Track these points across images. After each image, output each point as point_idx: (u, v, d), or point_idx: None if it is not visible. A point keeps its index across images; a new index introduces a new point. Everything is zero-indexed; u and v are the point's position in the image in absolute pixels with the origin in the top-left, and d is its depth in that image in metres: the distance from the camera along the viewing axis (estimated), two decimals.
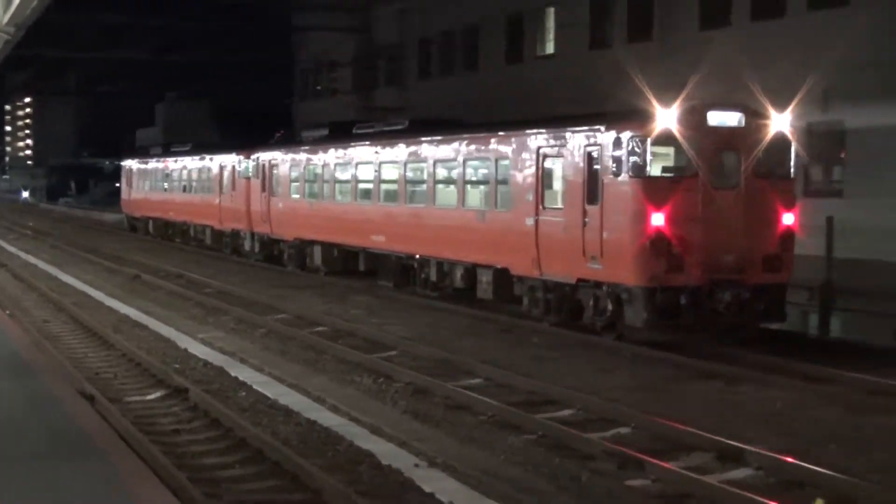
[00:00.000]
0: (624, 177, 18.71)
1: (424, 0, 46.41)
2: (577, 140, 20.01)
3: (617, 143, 18.83)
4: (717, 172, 18.91)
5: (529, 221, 21.45)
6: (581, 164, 19.83)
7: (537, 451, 12.72)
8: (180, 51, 65.63)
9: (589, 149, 19.64)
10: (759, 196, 19.05)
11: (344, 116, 42.33)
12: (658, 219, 18.42)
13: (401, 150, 27.37)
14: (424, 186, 26.34)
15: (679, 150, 18.72)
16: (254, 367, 17.91)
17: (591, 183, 19.59)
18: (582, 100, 26.60)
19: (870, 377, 16.07)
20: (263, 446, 12.58)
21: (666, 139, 18.56)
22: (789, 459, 11.94)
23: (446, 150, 25.14)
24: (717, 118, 18.88)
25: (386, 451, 12.47)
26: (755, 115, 19.14)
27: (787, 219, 19.23)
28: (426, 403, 15.30)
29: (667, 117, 18.41)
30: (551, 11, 38.37)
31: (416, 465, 11.96)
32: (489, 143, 23.22)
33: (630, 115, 18.96)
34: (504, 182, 22.85)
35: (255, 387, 16.22)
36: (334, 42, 54.22)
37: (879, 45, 27.40)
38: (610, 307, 19.42)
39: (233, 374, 17.29)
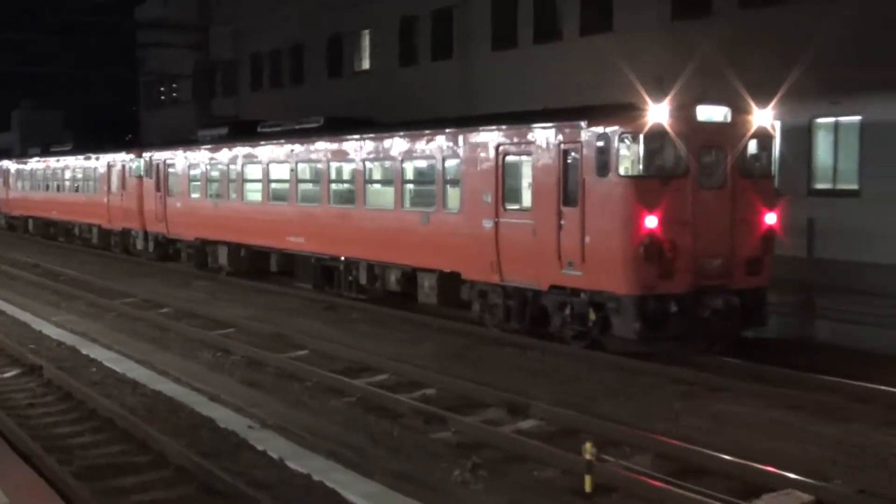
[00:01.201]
0: (612, 176, 16.59)
1: (256, 21, 48.30)
2: (548, 137, 17.81)
3: (603, 140, 16.71)
4: (704, 171, 17.04)
5: (487, 224, 19.14)
6: (555, 163, 17.65)
7: (356, 412, 13.86)
8: (36, 62, 65.08)
9: (565, 146, 17.47)
10: (742, 196, 17.30)
11: (185, 124, 45.07)
12: (651, 222, 16.40)
13: (323, 149, 24.64)
14: (353, 186, 23.68)
15: (670, 147, 16.77)
16: (104, 346, 18.67)
17: (568, 183, 17.44)
18: (396, 108, 27.58)
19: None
20: (113, 415, 13.26)
21: (657, 136, 16.58)
22: (566, 411, 13.57)
23: (380, 148, 22.57)
24: (705, 113, 17.01)
25: (224, 416, 13.36)
26: (739, 111, 17.36)
27: (770, 219, 17.51)
28: (259, 373, 16.45)
29: (659, 112, 16.41)
30: (366, 33, 41.03)
31: (250, 427, 12.83)
32: (434, 140, 20.77)
33: (618, 111, 16.89)
34: (454, 182, 20.51)
35: (105, 363, 16.98)
36: (176, 56, 55.63)
37: None
38: (592, 316, 17.24)
39: (84, 352, 18.00)
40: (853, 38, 22.40)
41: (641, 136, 16.44)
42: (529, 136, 18.29)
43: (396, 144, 21.94)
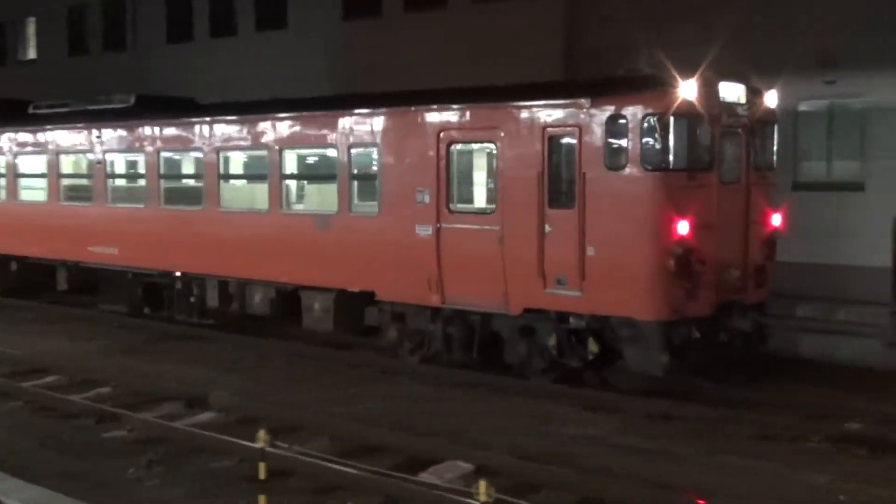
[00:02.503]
0: (631, 170, 12.65)
1: None
2: (525, 119, 13.61)
3: (617, 123, 12.74)
4: (725, 163, 13.52)
5: (423, 231, 14.67)
6: (535, 153, 13.48)
7: (23, 415, 13.11)
8: None
9: (553, 131, 13.33)
10: (753, 192, 13.97)
11: None
12: (683, 228, 12.71)
13: (151, 135, 18.90)
14: (201, 182, 18.19)
15: (700, 134, 13.07)
16: None
17: (558, 179, 13.35)
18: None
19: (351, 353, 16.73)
20: None
21: (690, 118, 12.88)
22: (245, 401, 13.30)
23: (244, 133, 17.30)
24: (726, 92, 13.44)
25: None
26: (753, 91, 13.95)
27: (775, 220, 14.29)
28: None
29: (689, 89, 12.69)
30: (32, 21, 37.87)
31: None
32: (335, 124, 15.88)
33: (634, 86, 12.92)
34: (366, 178, 15.80)
35: None
36: None
37: None
38: (594, 347, 13.26)
39: None
40: None
41: (672, 119, 12.66)
42: (494, 119, 13.98)
43: (273, 129, 16.79)
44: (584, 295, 13.11)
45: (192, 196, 18.45)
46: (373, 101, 15.69)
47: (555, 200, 13.34)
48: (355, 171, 15.76)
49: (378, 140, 15.25)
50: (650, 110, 12.51)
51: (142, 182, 19.21)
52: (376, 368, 15.49)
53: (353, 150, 15.70)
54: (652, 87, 12.72)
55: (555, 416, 12.69)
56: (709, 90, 13.02)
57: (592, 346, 13.35)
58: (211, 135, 17.71)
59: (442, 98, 14.66)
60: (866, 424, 12.10)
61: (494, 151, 13.99)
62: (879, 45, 17.44)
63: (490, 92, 14.36)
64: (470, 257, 14.22)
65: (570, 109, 13.17)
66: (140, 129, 19.08)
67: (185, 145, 18.37)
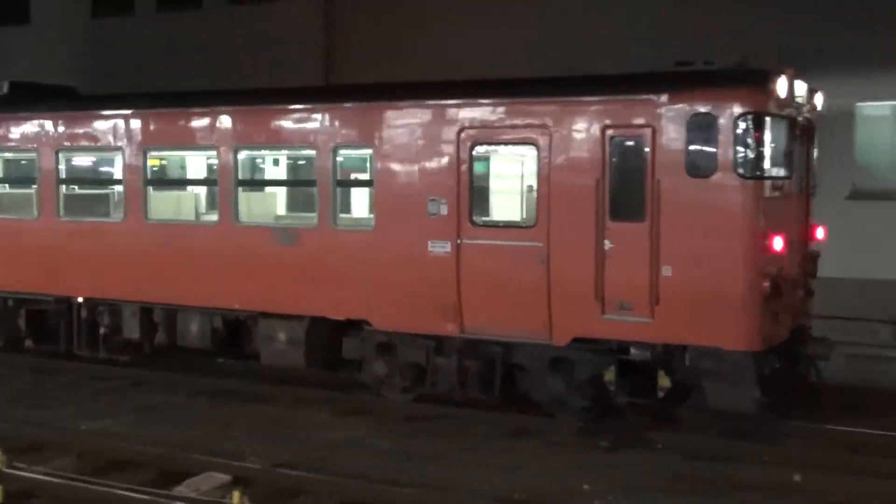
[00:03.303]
0: (721, 177, 10.87)
1: None
2: (580, 117, 11.55)
3: (704, 122, 10.93)
4: (796, 171, 12.04)
5: (440, 247, 12.33)
6: (593, 157, 11.47)
7: None
8: None
9: (616, 131, 11.37)
10: (805, 204, 12.60)
11: None
12: (778, 244, 11.05)
13: (41, 131, 15.42)
14: (119, 189, 14.94)
15: (786, 135, 11.48)
16: None
17: (623, 187, 11.40)
18: None
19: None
20: None
21: (781, 118, 11.27)
22: None
23: (184, 130, 14.25)
24: (799, 90, 11.92)
25: None
26: (811, 90, 12.53)
27: (819, 233, 12.96)
28: None
29: (781, 86, 11.07)
30: None
31: None
32: (314, 119, 13.22)
33: (725, 78, 11.13)
34: (357, 184, 13.29)
35: None
36: None
37: None
38: (666, 382, 11.40)
39: None
40: None
41: (768, 120, 10.98)
42: (535, 116, 11.83)
43: (225, 124, 13.85)
44: (657, 321, 11.22)
45: (106, 205, 15.17)
46: (369, 92, 13.13)
47: (618, 212, 11.38)
48: (341, 177, 13.16)
49: (375, 139, 12.75)
50: (747, 108, 10.76)
51: (32, 188, 15.65)
52: (128, 380, 14.90)
53: (341, 152, 13.11)
54: (744, 81, 11.01)
55: (310, 422, 12.70)
56: (789, 87, 11.45)
57: (663, 381, 11.49)
58: (137, 131, 14.51)
59: (465, 91, 12.37)
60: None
61: (536, 154, 11.85)
62: None
63: (530, 84, 12.22)
64: (501, 279, 12.01)
65: (642, 106, 11.24)
66: (30, 123, 15.55)
67: (97, 143, 15.04)
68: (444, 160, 12.30)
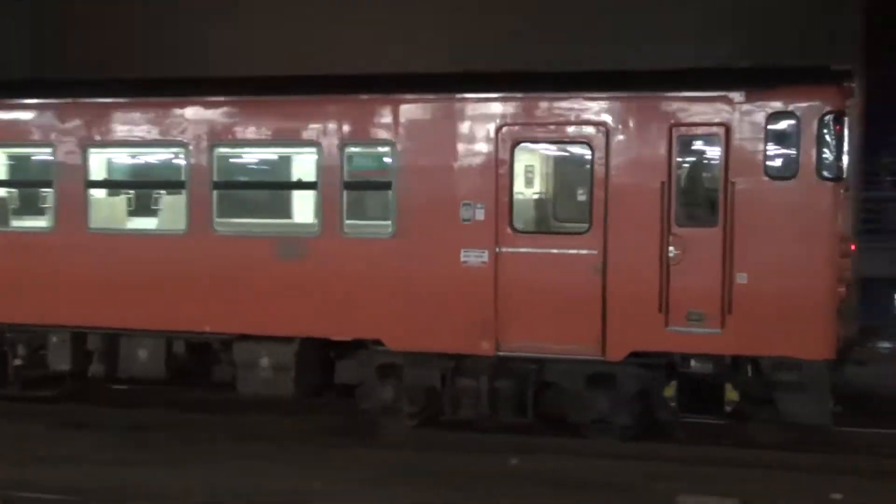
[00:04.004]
0: (805, 179, 10.35)
1: None
2: (643, 114, 10.72)
3: (785, 122, 10.40)
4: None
5: (475, 257, 11.09)
6: (660, 157, 10.65)
7: None
8: None
9: (685, 130, 10.63)
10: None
11: None
12: (852, 248, 10.63)
13: None
14: (48, 192, 12.53)
15: (856, 135, 11.14)
16: None
17: (691, 189, 10.67)
18: None
19: None
20: None
21: (854, 118, 10.87)
22: None
23: (142, 123, 12.16)
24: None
25: None
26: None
27: None
28: None
29: (854, 85, 10.74)
30: None
31: None
32: (317, 113, 11.58)
33: (811, 77, 10.62)
34: (371, 186, 11.79)
35: None
36: None
37: None
38: (734, 396, 10.71)
39: None
40: None
41: (846, 120, 10.57)
42: (590, 112, 10.85)
43: (198, 118, 11.88)
44: (727, 332, 10.51)
45: (31, 211, 12.70)
46: (386, 83, 11.65)
47: (686, 217, 10.61)
48: (347, 178, 11.57)
49: (396, 137, 11.31)
50: (833, 107, 10.31)
51: None
52: None
53: (350, 150, 11.54)
54: (828, 79, 10.55)
55: (29, 437, 11.65)
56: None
57: (731, 395, 10.80)
58: (76, 122, 12.24)
59: (504, 83, 11.21)
60: None
61: (590, 155, 10.88)
62: None
63: (584, 78, 11.24)
64: (545, 290, 10.91)
65: (714, 104, 10.55)
66: None
67: (22, 138, 12.56)
68: (480, 160, 11.08)
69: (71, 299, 12.24)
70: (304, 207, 12.28)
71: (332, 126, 11.45)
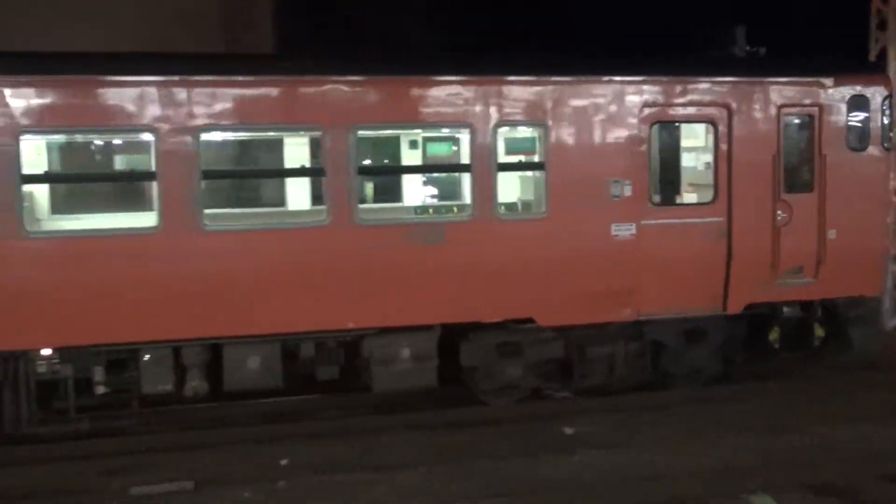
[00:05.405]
0: (872, 150, 12.61)
1: None
2: (758, 97, 12.14)
3: (861, 103, 12.52)
4: None
5: (624, 230, 11.81)
6: (771, 133, 12.23)
7: None
8: None
9: (789, 110, 12.29)
10: None
11: None
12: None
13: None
14: (146, 184, 10.43)
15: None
16: None
17: (794, 161, 12.41)
18: None
19: None
20: None
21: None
22: None
23: (283, 104, 10.64)
24: None
25: None
26: None
27: None
28: None
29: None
30: None
31: None
32: (468, 94, 11.11)
33: (874, 67, 12.75)
34: (523, 167, 11.72)
35: None
36: None
37: None
38: (820, 332, 12.79)
39: None
40: None
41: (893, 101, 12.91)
42: (716, 96, 11.95)
43: (337, 98, 10.64)
44: (819, 280, 12.52)
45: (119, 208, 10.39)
46: (537, 65, 11.46)
47: (791, 185, 12.31)
48: (498, 161, 11.32)
49: (547, 118, 11.36)
50: (889, 91, 12.63)
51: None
52: None
53: (501, 130, 11.30)
54: (878, 69, 12.78)
55: None
56: None
57: (819, 332, 12.80)
58: (185, 105, 10.28)
59: (648, 68, 11.78)
60: None
61: (714, 132, 12.02)
62: None
63: (710, 65, 12.17)
64: (678, 256, 11.96)
65: (811, 88, 12.30)
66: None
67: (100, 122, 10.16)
68: (626, 139, 11.65)
69: (177, 309, 10.44)
70: (449, 190, 11.73)
71: (485, 108, 11.16)
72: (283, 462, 10.04)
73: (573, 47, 20.77)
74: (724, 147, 12.03)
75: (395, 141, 12.07)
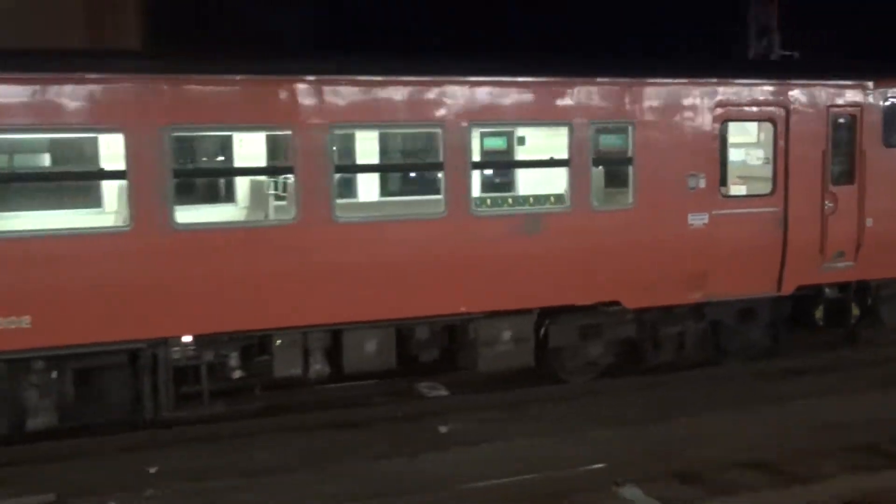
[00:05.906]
0: None
1: None
2: (811, 98, 13.33)
3: (894, 104, 13.85)
4: None
5: (698, 220, 12.87)
6: (822, 131, 13.45)
7: None
8: None
9: (836, 110, 13.53)
10: None
11: None
12: None
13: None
14: (280, 179, 10.93)
15: None
16: None
17: (840, 156, 13.67)
18: None
19: None
20: None
21: None
22: None
23: (395, 104, 11.24)
24: None
25: None
26: None
27: None
28: None
29: None
30: None
31: None
32: (569, 94, 11.94)
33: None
34: (615, 162, 12.62)
35: None
36: None
37: None
38: (856, 311, 14.13)
39: None
40: None
41: None
42: (776, 96, 13.07)
43: (457, 96, 11.33)
44: (857, 264, 13.83)
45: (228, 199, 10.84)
46: (625, 68, 12.33)
47: (837, 178, 13.56)
48: (599, 155, 12.21)
49: (636, 116, 12.28)
50: None
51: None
52: None
53: (596, 127, 12.16)
54: None
55: None
56: None
57: (855, 311, 14.10)
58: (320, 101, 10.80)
59: (720, 71, 12.80)
60: None
61: (773, 130, 13.15)
62: None
63: (768, 68, 13.24)
64: (742, 243, 13.09)
65: (855, 90, 13.54)
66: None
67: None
68: (701, 135, 12.67)
69: (309, 297, 10.99)
70: (548, 184, 12.49)
71: (582, 107, 12.02)
72: (152, 470, 10.00)
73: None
74: (781, 143, 13.18)
75: (510, 136, 12.83)
